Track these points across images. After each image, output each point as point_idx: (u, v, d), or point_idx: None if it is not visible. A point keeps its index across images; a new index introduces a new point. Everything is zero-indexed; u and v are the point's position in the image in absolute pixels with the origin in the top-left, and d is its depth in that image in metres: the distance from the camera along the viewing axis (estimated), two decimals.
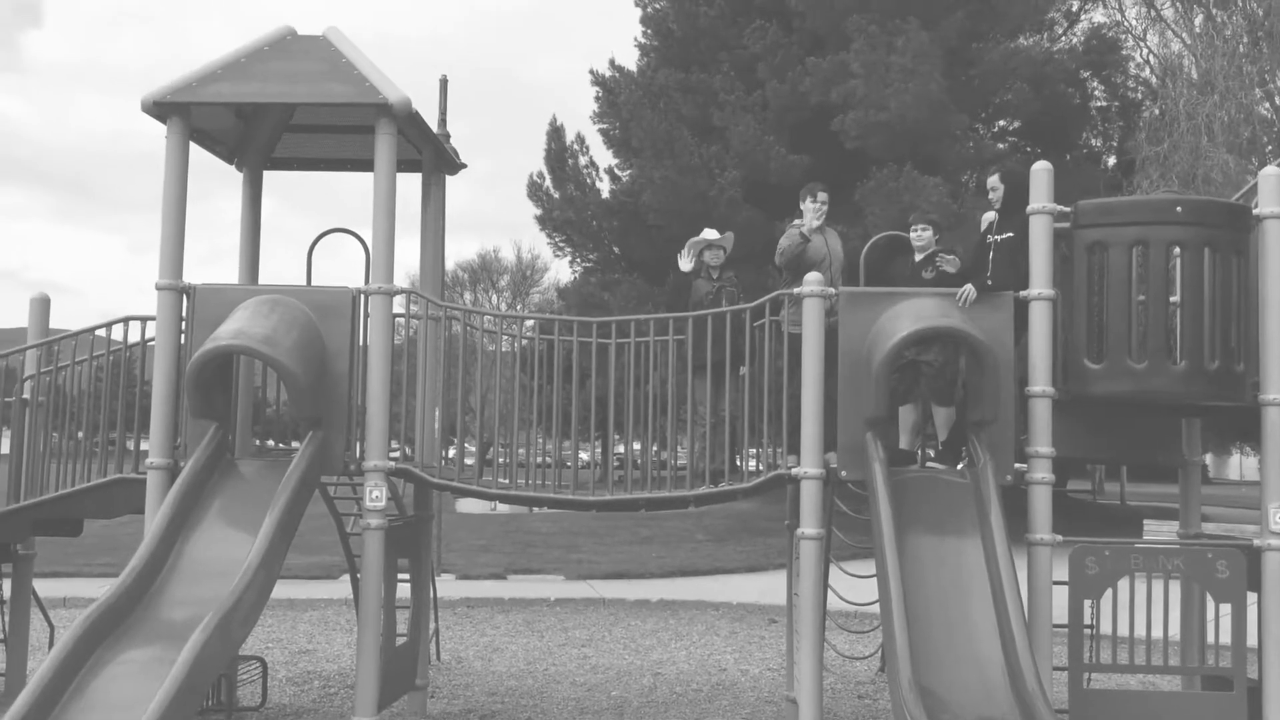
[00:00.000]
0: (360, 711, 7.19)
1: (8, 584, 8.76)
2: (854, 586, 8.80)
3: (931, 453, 7.66)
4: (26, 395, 8.23)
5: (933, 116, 21.41)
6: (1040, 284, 7.01)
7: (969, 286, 7.06)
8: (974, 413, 6.90)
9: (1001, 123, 26.10)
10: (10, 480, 8.15)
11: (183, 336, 7.43)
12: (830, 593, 7.96)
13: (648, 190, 23.72)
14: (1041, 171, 7.06)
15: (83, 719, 5.55)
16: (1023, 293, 7.04)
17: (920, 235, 7.61)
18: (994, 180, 7.52)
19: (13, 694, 8.47)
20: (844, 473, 7.10)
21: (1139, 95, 25.93)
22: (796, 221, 7.97)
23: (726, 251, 8.31)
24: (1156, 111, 23.19)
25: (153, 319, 7.51)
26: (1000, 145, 25.02)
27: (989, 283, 7.14)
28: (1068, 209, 7.10)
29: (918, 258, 7.62)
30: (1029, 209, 7.06)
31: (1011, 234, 7.22)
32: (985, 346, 6.70)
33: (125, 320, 7.86)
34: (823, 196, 7.96)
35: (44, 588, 9.33)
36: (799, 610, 7.22)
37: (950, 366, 7.30)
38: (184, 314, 7.42)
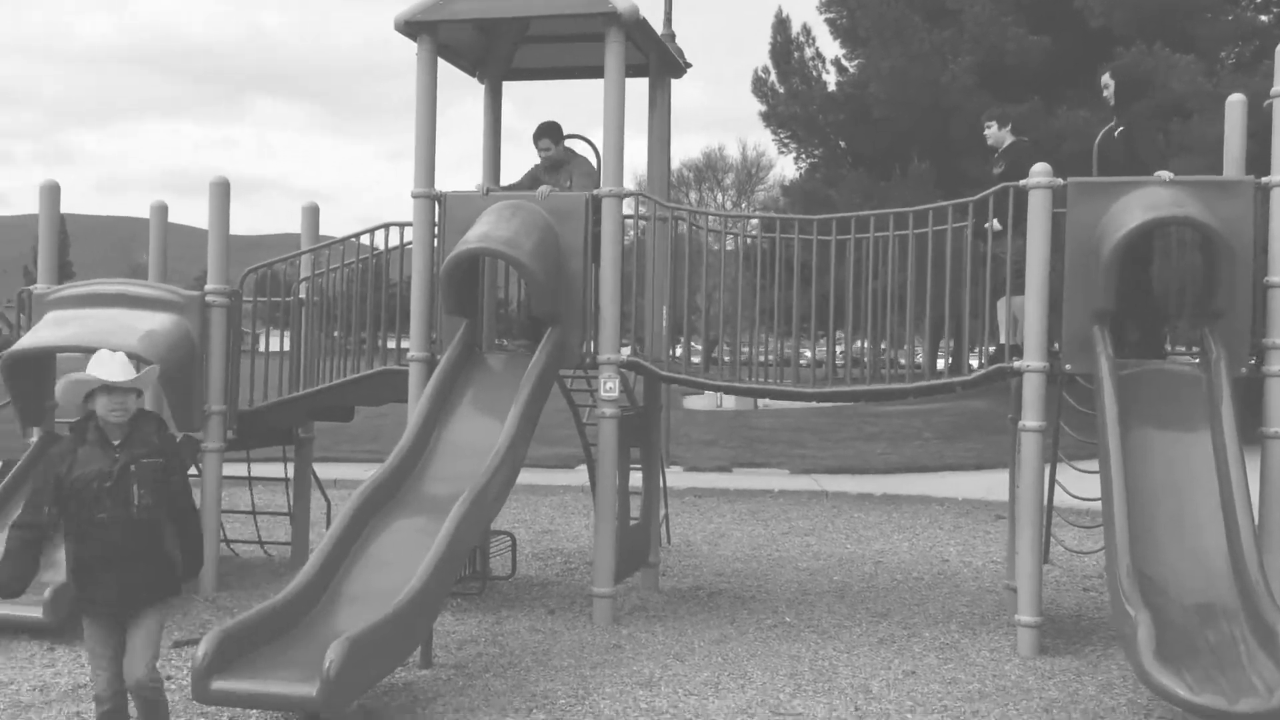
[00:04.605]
0: (599, 583, 7.81)
1: (291, 465, 9.91)
2: (1085, 483, 8.76)
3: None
4: (303, 296, 9.19)
5: None
6: None
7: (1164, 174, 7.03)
8: (1209, 304, 6.74)
9: None
10: (290, 372, 9.17)
11: (435, 240, 8.10)
12: (1059, 489, 8.00)
13: (875, 81, 23.16)
14: None
15: (364, 575, 6.35)
16: (1264, 179, 6.78)
17: (988, 133, 7.94)
18: (1105, 78, 7.65)
19: (298, 560, 9.64)
20: (1068, 366, 7.10)
21: None
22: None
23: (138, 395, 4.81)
24: None
25: (409, 224, 8.22)
26: (1263, 18, 22.98)
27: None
28: None
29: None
30: (1273, 90, 6.77)
31: (1123, 128, 7.39)
32: (1222, 236, 6.54)
33: (385, 226, 8.62)
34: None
35: (318, 471, 10.43)
36: (1019, 500, 7.33)
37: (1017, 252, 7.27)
38: (436, 219, 8.08)
